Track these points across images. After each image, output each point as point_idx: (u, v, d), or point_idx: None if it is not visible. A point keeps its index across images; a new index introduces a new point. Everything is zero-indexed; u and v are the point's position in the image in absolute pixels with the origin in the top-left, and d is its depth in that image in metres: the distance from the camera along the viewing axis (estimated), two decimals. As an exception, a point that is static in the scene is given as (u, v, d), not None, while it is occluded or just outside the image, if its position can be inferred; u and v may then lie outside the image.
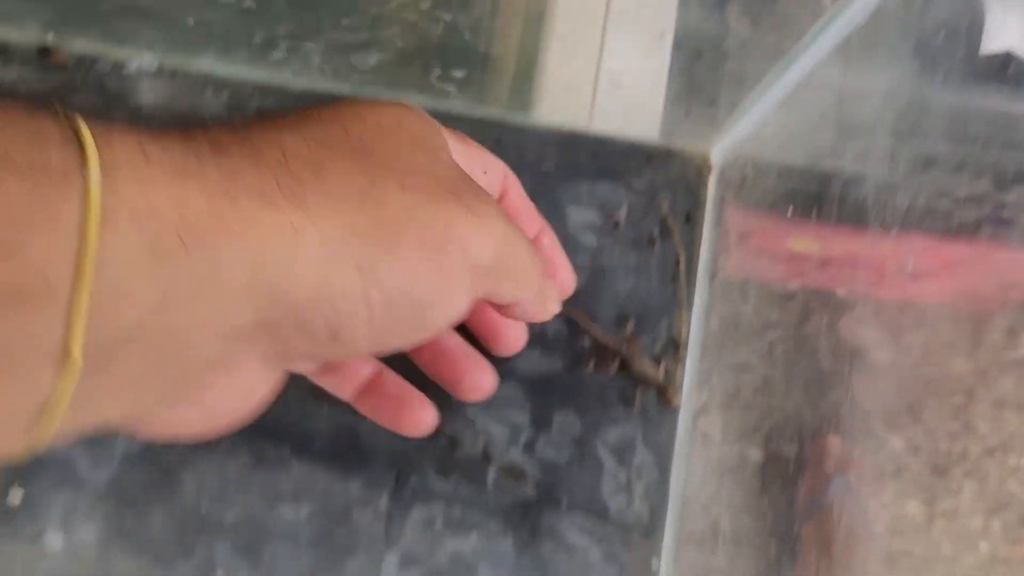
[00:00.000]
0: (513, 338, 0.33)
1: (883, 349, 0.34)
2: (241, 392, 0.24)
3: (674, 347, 0.33)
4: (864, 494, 0.34)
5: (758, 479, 0.34)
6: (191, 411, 0.23)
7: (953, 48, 0.30)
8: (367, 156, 0.23)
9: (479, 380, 0.31)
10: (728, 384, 0.34)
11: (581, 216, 0.34)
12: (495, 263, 0.24)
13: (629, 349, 0.34)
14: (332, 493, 0.32)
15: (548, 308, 0.29)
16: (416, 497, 0.33)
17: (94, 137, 0.18)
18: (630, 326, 0.33)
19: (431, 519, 0.33)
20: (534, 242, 0.31)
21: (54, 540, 0.31)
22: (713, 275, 0.33)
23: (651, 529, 0.33)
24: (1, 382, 0.16)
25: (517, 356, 0.33)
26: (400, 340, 0.24)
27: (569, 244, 0.32)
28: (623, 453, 0.33)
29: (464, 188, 0.24)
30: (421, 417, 0.30)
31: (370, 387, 0.31)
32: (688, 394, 0.33)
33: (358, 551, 0.32)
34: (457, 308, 0.24)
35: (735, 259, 0.34)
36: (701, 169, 0.34)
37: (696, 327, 0.33)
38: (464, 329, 0.32)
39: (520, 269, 0.26)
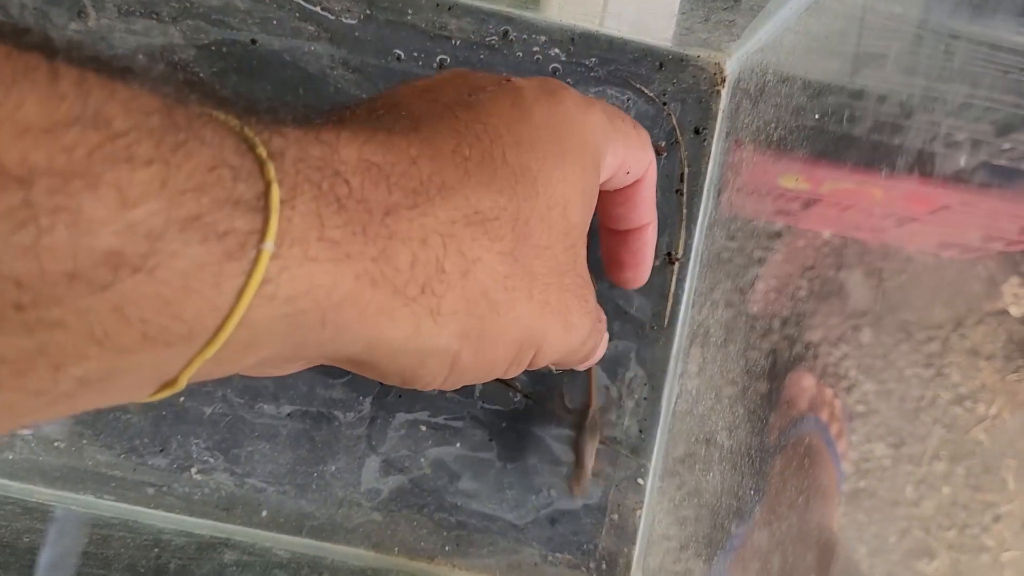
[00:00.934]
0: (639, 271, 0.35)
1: (863, 292, 0.34)
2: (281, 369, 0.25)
3: (670, 262, 0.32)
4: (833, 433, 0.34)
5: (743, 405, 0.34)
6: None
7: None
8: (518, 258, 0.24)
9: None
10: (718, 312, 0.34)
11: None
12: (554, 361, 0.27)
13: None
14: (315, 395, 0.33)
15: (580, 368, 0.30)
16: (400, 403, 0.33)
17: (281, 198, 0.18)
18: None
19: (415, 426, 0.33)
20: (639, 232, 0.31)
21: (24, 428, 0.31)
22: (720, 190, 0.33)
23: (640, 446, 0.33)
24: (104, 394, 0.17)
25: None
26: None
27: None
28: (615, 368, 0.34)
29: (578, 299, 0.26)
30: None
31: None
32: (685, 311, 0.33)
33: (339, 454, 0.33)
34: (510, 375, 0.26)
35: (730, 190, 0.34)
36: (714, 79, 0.34)
37: (698, 243, 0.33)
38: None
39: (571, 360, 0.28)
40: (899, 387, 0.35)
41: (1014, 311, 0.35)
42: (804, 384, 0.34)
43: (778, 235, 0.36)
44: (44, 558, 0.28)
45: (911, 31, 0.31)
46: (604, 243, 0.33)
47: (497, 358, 0.24)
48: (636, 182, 0.30)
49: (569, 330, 0.26)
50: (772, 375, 0.34)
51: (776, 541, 0.32)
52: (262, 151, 0.18)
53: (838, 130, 0.32)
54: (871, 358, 0.34)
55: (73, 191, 0.14)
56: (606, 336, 0.31)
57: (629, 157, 0.28)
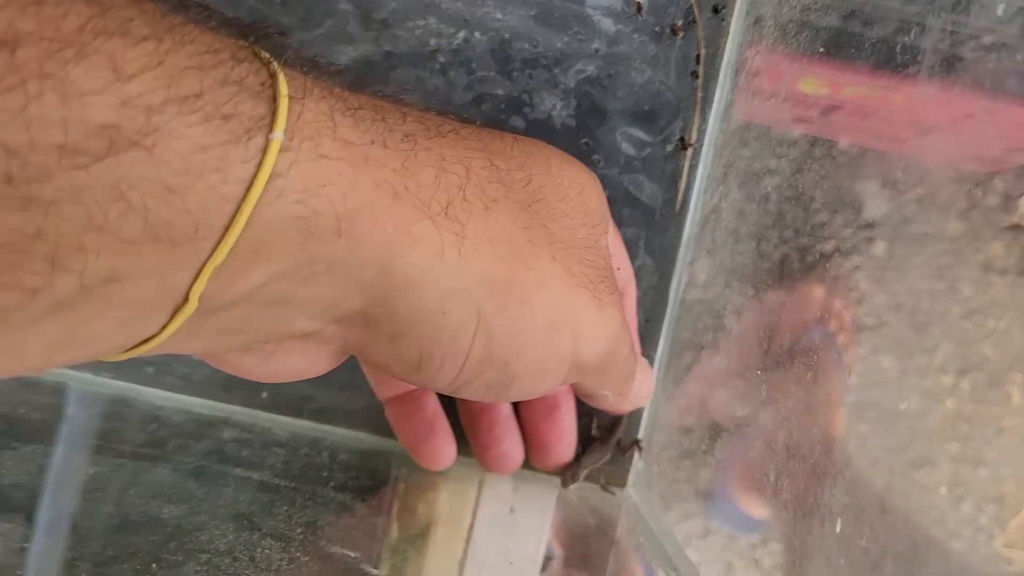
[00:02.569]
0: (557, 456, 0.32)
1: (878, 204, 0.34)
2: (306, 367, 0.23)
3: (683, 148, 0.31)
4: (841, 344, 0.34)
5: (752, 286, 0.34)
6: (258, 364, 0.23)
7: None
8: (536, 213, 0.23)
9: (513, 453, 0.31)
10: (736, 218, 0.33)
11: (601, -3, 0.32)
12: (597, 362, 0.24)
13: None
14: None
15: (624, 408, 0.29)
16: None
17: (289, 94, 0.17)
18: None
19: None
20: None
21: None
22: (737, 71, 0.32)
23: (647, 335, 0.33)
24: (115, 312, 0.16)
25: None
26: (472, 395, 0.23)
27: (585, 26, 0.30)
28: None
29: (603, 279, 0.24)
30: (442, 452, 0.31)
31: (409, 399, 0.31)
32: (697, 199, 0.32)
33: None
34: (540, 390, 0.24)
35: (744, 94, 0.33)
36: None
37: (712, 128, 0.32)
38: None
39: (615, 373, 0.26)
40: (910, 300, 0.34)
41: (1031, 225, 0.34)
42: (813, 295, 0.34)
43: (794, 143, 0.35)
44: (64, 427, 0.28)
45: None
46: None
47: (532, 327, 0.22)
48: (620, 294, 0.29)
49: (601, 309, 0.23)
50: (782, 285, 0.33)
51: (779, 450, 0.32)
52: (265, 54, 0.18)
53: (862, 31, 0.31)
54: (883, 271, 0.34)
55: (63, 59, 0.13)
56: (649, 381, 0.30)
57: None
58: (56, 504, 0.24)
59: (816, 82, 0.33)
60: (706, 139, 0.32)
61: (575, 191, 0.25)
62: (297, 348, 0.22)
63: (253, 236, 0.16)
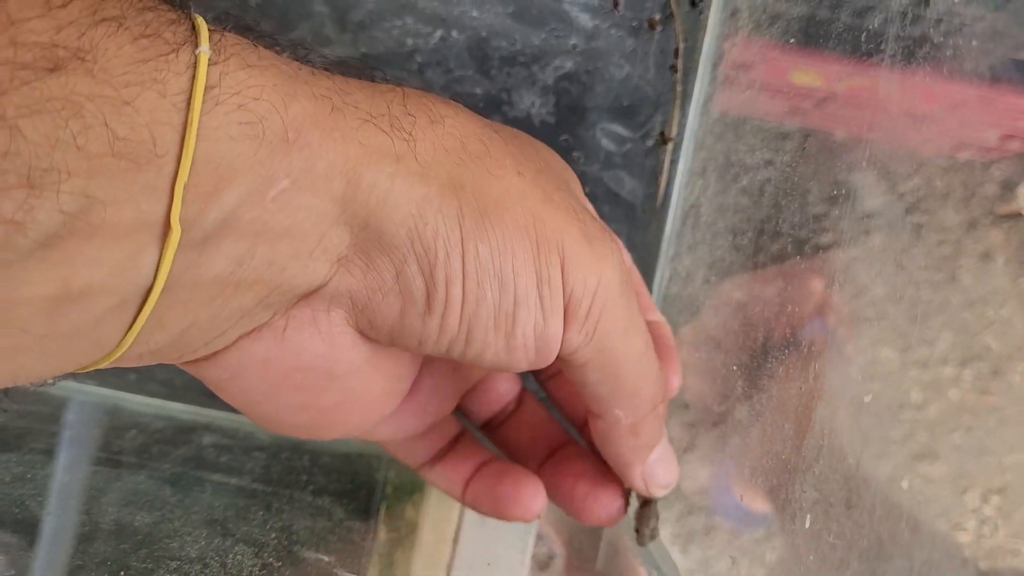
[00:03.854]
0: (603, 506, 0.28)
1: (875, 195, 0.33)
2: (326, 350, 0.22)
3: (663, 142, 0.32)
4: (841, 337, 0.34)
5: (741, 294, 0.33)
6: (275, 344, 0.22)
7: None
8: (490, 141, 0.21)
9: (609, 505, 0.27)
10: (717, 213, 0.33)
11: (578, -8, 0.32)
12: (595, 317, 0.22)
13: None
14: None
15: (639, 454, 0.25)
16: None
17: (207, 26, 0.18)
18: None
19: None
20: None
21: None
22: (715, 64, 0.32)
23: None
24: (101, 247, 0.16)
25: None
26: (488, 337, 0.22)
27: (562, 22, 0.30)
28: None
29: (590, 217, 0.22)
30: (533, 503, 0.27)
31: (482, 474, 0.28)
32: (678, 193, 0.32)
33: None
34: (549, 329, 0.22)
35: (732, 88, 0.33)
36: None
37: (692, 121, 0.32)
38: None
39: (624, 359, 0.23)
40: (909, 291, 0.34)
41: (1029, 212, 0.34)
42: (811, 287, 0.34)
43: (786, 136, 0.35)
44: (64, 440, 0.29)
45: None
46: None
47: (519, 236, 0.21)
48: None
49: (592, 241, 0.22)
50: (778, 276, 0.33)
51: (777, 445, 0.32)
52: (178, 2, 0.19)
53: (853, 21, 0.31)
54: (881, 262, 0.34)
55: None
56: (675, 466, 0.27)
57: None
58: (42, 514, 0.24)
59: (809, 74, 0.33)
60: (686, 133, 0.32)
61: (532, 149, 0.24)
62: (307, 320, 0.22)
63: (208, 149, 0.17)
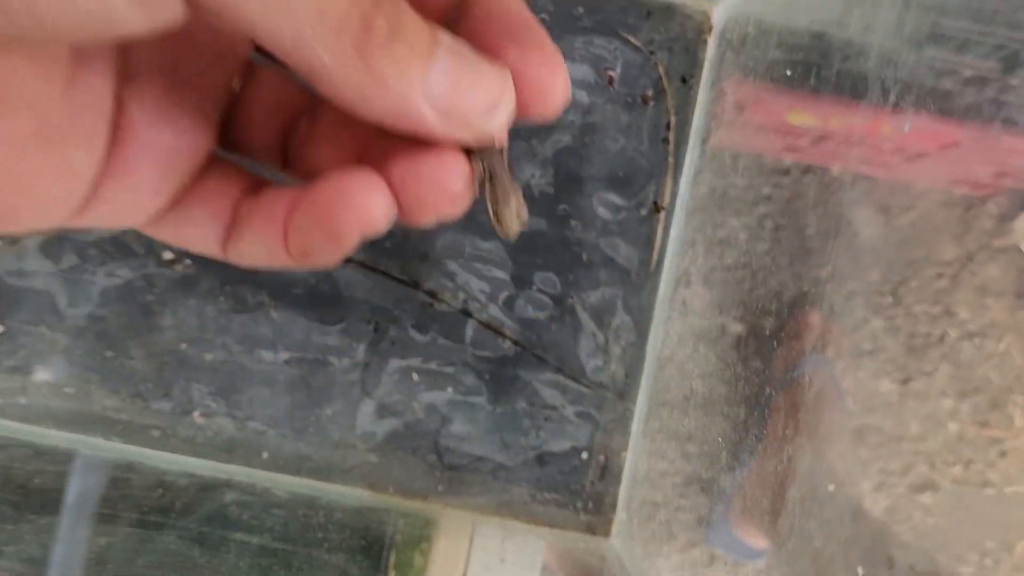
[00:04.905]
0: (430, 180, 0.15)
1: (872, 229, 0.34)
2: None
3: (656, 211, 0.32)
4: (840, 370, 0.34)
5: (734, 347, 0.34)
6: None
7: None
8: None
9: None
10: (712, 254, 0.34)
11: (574, 72, 0.33)
12: None
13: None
14: (310, 341, 0.32)
15: (415, 80, 0.13)
16: (394, 349, 0.33)
17: None
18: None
19: (408, 371, 0.33)
20: None
21: (34, 374, 0.31)
22: (704, 139, 0.33)
23: (626, 391, 0.33)
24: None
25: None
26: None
27: None
28: (602, 315, 0.33)
29: None
30: (369, 202, 0.14)
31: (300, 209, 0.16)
32: (671, 260, 0.33)
33: (335, 398, 0.33)
34: None
35: (730, 128, 0.33)
36: (701, 28, 0.33)
37: (683, 192, 0.33)
38: None
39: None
40: (907, 324, 0.34)
41: (1025, 246, 0.34)
42: (810, 321, 0.34)
43: (784, 172, 0.35)
44: (70, 496, 0.29)
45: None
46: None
47: None
48: None
49: None
50: (779, 312, 0.34)
51: (780, 477, 0.32)
52: None
53: (843, 67, 0.31)
54: (879, 295, 0.34)
55: None
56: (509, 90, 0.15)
57: None
58: None
59: (803, 115, 0.33)
60: (678, 202, 0.33)
61: None
62: None
63: None
